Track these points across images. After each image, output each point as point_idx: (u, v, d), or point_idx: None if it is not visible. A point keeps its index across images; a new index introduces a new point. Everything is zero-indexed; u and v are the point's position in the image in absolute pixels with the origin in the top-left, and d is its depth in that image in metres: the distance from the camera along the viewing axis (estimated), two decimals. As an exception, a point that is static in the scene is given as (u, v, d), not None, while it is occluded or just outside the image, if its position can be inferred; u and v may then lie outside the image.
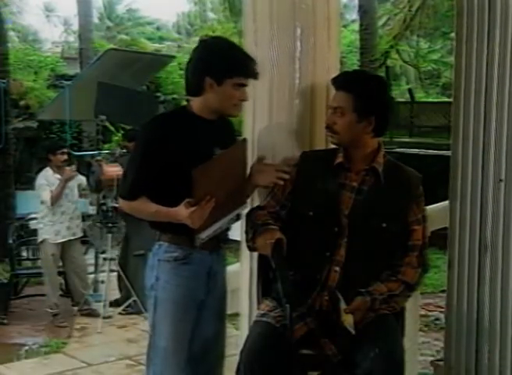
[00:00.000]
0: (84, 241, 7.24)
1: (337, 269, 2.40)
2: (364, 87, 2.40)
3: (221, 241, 2.55)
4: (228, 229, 2.57)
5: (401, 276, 2.39)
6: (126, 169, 2.56)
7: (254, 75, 2.45)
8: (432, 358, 3.79)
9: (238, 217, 2.57)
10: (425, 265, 2.43)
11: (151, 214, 2.42)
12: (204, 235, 2.37)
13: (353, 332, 2.27)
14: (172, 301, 2.45)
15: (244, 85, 2.43)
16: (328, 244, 2.41)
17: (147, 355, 2.53)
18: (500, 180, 2.60)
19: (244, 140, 2.51)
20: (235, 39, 15.59)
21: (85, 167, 6.72)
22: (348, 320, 2.29)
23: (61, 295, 6.83)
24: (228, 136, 2.56)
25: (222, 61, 2.40)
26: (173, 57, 14.03)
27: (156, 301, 2.48)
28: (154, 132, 2.44)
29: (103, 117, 7.13)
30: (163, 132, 2.41)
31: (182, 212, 2.26)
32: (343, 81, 2.44)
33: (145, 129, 2.51)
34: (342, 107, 2.39)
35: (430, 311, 6.11)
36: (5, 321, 6.53)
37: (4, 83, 10.03)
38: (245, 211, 2.58)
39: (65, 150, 6.85)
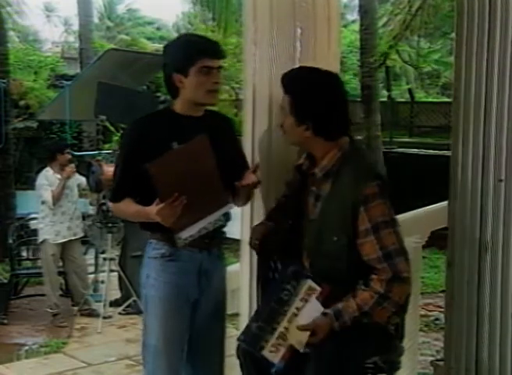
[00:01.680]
0: (84, 241, 7.25)
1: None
2: (301, 91, 2.27)
3: (212, 239, 2.51)
4: (221, 227, 2.53)
5: (372, 285, 2.20)
6: (113, 172, 2.57)
7: (217, 54, 2.41)
8: (431, 358, 3.79)
9: (227, 217, 2.54)
10: (398, 275, 2.18)
11: (132, 214, 2.44)
12: (185, 236, 2.36)
13: (300, 350, 2.21)
14: (161, 298, 2.44)
15: (211, 68, 2.38)
16: (297, 251, 2.38)
17: (142, 354, 2.53)
18: (500, 180, 2.59)
19: (203, 136, 2.34)
20: (233, 39, 15.54)
21: (85, 167, 6.73)
22: (297, 338, 2.23)
23: (61, 295, 6.84)
24: (220, 131, 2.48)
25: (180, 53, 2.39)
26: (173, 57, 14.00)
27: (146, 298, 2.49)
28: (132, 135, 2.46)
29: (103, 117, 7.14)
30: (141, 134, 2.41)
31: (152, 209, 2.26)
32: (284, 81, 2.33)
33: (125, 132, 2.55)
34: (284, 108, 2.32)
35: (430, 311, 6.11)
36: (5, 321, 6.54)
37: (4, 83, 10.03)
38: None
39: (69, 150, 6.89)
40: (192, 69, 2.36)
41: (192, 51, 2.37)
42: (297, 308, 2.29)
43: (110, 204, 2.58)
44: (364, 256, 2.20)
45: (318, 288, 2.31)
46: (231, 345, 2.44)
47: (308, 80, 2.32)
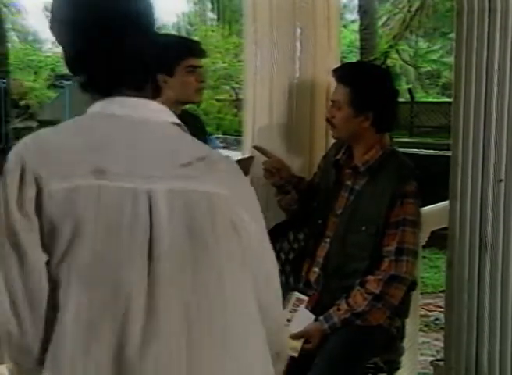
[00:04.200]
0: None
1: (316, 269, 2.40)
2: (362, 82, 2.32)
3: None
4: None
5: (366, 286, 2.24)
6: None
7: (201, 54, 2.44)
8: (432, 358, 3.78)
9: None
10: (398, 274, 2.23)
11: None
12: None
13: (295, 355, 2.22)
14: None
15: (196, 67, 2.39)
16: (312, 243, 2.44)
17: None
18: (500, 180, 2.59)
19: (252, 157, 2.46)
20: (234, 39, 15.54)
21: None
22: (290, 345, 2.22)
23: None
24: (196, 131, 2.52)
25: (163, 51, 2.38)
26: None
27: None
28: None
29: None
30: None
31: None
32: (341, 74, 2.36)
33: None
34: (339, 101, 2.33)
35: (430, 311, 6.09)
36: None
37: (4, 83, 10.04)
38: None
39: None
40: (178, 69, 2.37)
41: (178, 51, 2.37)
42: (288, 320, 2.31)
43: None
44: (384, 247, 2.26)
45: (306, 298, 2.33)
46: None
47: (368, 71, 2.43)
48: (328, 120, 2.39)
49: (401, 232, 2.25)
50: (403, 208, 2.26)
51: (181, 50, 2.38)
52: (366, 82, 2.32)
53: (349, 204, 2.35)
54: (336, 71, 2.39)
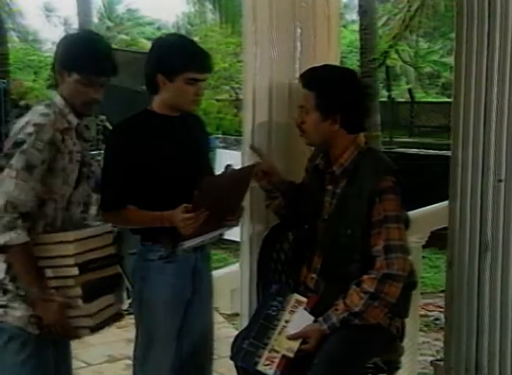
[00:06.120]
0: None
1: (313, 275, 2.40)
2: (326, 85, 2.30)
3: None
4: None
5: (362, 285, 2.22)
6: (102, 181, 2.43)
7: (205, 69, 2.40)
8: (431, 358, 3.78)
9: (221, 235, 2.56)
10: (391, 272, 2.20)
11: (142, 220, 2.39)
12: (187, 245, 2.34)
13: (291, 356, 2.23)
14: (158, 300, 2.43)
15: (197, 80, 2.37)
16: (307, 248, 2.43)
17: (134, 356, 2.52)
18: (500, 180, 2.59)
19: (255, 164, 2.47)
20: (234, 39, 15.51)
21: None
22: (287, 346, 2.25)
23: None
24: (197, 131, 2.53)
25: (170, 58, 2.35)
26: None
27: (142, 301, 2.46)
28: (121, 139, 2.41)
29: (103, 117, 7.11)
30: (130, 137, 2.37)
31: (178, 215, 2.24)
32: (306, 78, 2.35)
33: (112, 138, 2.50)
34: (305, 106, 2.33)
35: (430, 311, 6.10)
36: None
37: (4, 83, 10.02)
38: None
39: None
40: (179, 78, 2.34)
41: (181, 62, 2.33)
42: (286, 321, 2.32)
43: (106, 214, 2.47)
44: (373, 247, 2.24)
45: (305, 299, 2.33)
46: (229, 346, 2.44)
47: (331, 74, 2.38)
48: (298, 126, 2.38)
49: (385, 230, 2.23)
50: (383, 206, 2.24)
51: (185, 61, 2.34)
52: (329, 85, 2.30)
53: (333, 208, 2.34)
54: (301, 76, 2.38)
